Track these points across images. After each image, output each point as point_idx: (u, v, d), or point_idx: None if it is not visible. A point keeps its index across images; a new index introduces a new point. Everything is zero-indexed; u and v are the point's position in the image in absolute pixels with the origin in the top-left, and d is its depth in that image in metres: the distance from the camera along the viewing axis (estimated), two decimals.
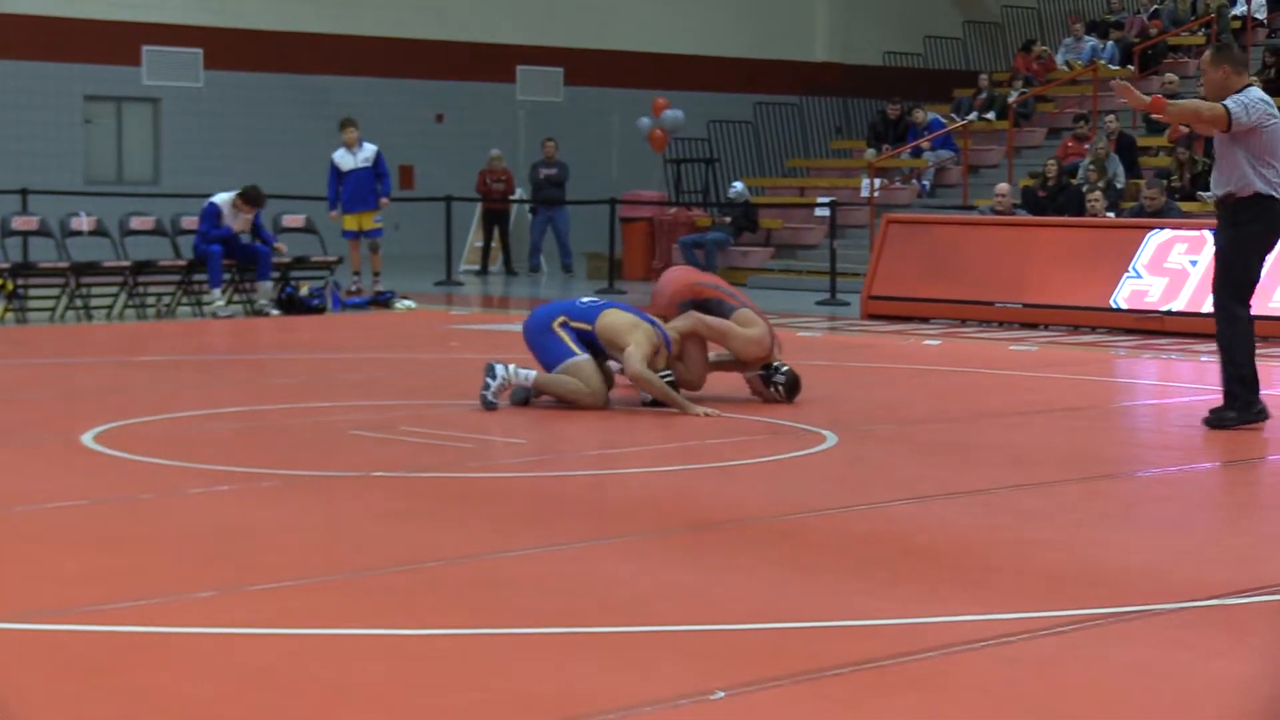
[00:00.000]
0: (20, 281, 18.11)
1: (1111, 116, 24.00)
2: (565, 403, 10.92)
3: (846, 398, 12.01)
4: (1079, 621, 5.80)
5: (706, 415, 10.68)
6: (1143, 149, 24.07)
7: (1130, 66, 27.43)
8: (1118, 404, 12.79)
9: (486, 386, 10.84)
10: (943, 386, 12.98)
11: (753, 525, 7.47)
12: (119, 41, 28.19)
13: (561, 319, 11.04)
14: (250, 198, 18.92)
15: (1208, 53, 10.61)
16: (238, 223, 18.88)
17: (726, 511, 7.78)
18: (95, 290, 18.50)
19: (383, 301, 19.93)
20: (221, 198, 19.01)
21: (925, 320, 17.99)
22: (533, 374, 10.91)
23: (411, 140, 30.07)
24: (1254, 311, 10.43)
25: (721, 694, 4.93)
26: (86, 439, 9.55)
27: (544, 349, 10.99)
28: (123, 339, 16.62)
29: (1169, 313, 16.58)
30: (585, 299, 11.47)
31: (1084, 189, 20.65)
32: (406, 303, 20.00)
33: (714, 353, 11.50)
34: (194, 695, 4.94)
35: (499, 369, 10.89)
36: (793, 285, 23.32)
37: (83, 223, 19.08)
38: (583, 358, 10.91)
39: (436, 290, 22.79)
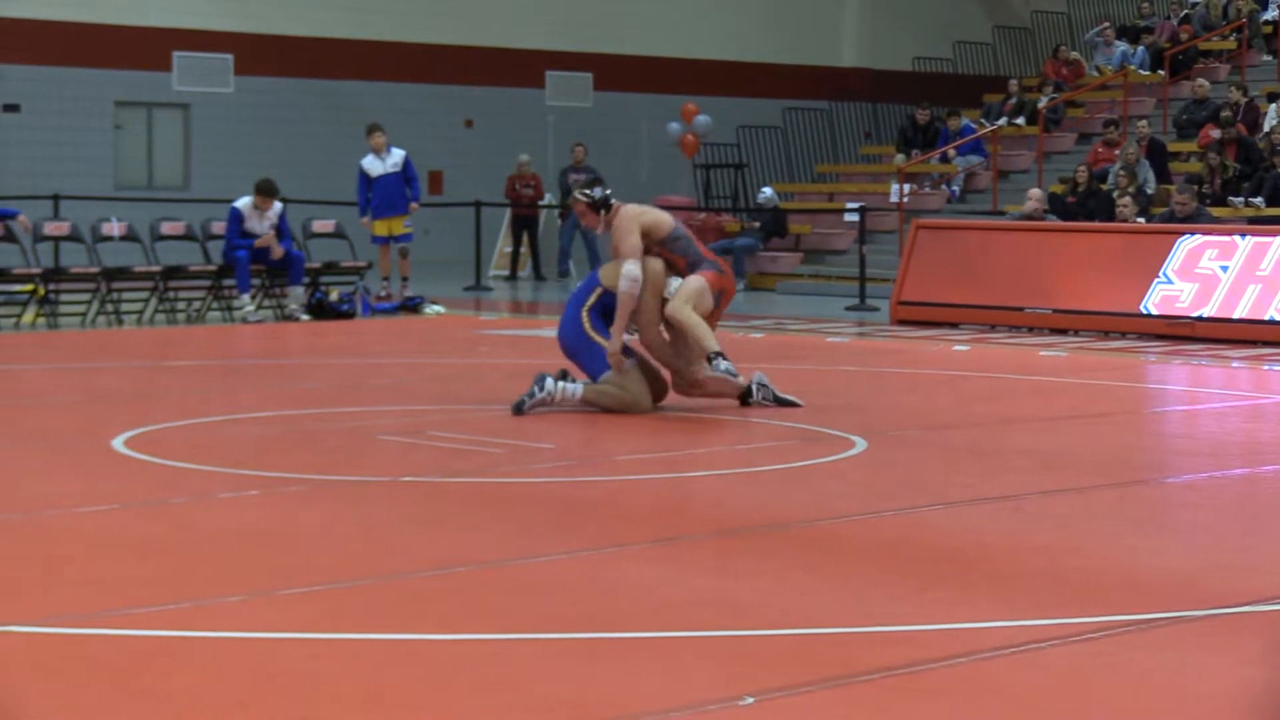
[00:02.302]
0: (51, 286, 18.18)
1: (1142, 122, 23.93)
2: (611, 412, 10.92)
3: (875, 403, 11.99)
4: (1109, 628, 5.77)
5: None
6: (1173, 154, 23.98)
7: (1160, 71, 27.36)
8: (1148, 410, 12.74)
9: (531, 394, 10.84)
10: (972, 392, 12.95)
11: (781, 531, 7.46)
12: (150, 47, 28.27)
13: (586, 303, 11.04)
14: (264, 190, 18.96)
15: None
16: (262, 224, 18.91)
17: (755, 517, 7.77)
18: (126, 295, 18.58)
19: (412, 307, 19.96)
20: (243, 201, 19.07)
21: (954, 325, 17.95)
22: (580, 388, 10.90)
23: (441, 145, 30.11)
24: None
25: (751, 699, 4.92)
26: (117, 444, 9.58)
27: (589, 358, 10.98)
28: (153, 344, 16.66)
29: (1200, 318, 16.51)
30: (580, 283, 11.49)
31: (1114, 194, 20.59)
32: (435, 308, 20.02)
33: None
34: (222, 699, 4.94)
35: (548, 382, 10.87)
36: (822, 290, 23.28)
37: (113, 228, 19.14)
38: (626, 363, 10.92)
39: (465, 295, 22.81)
